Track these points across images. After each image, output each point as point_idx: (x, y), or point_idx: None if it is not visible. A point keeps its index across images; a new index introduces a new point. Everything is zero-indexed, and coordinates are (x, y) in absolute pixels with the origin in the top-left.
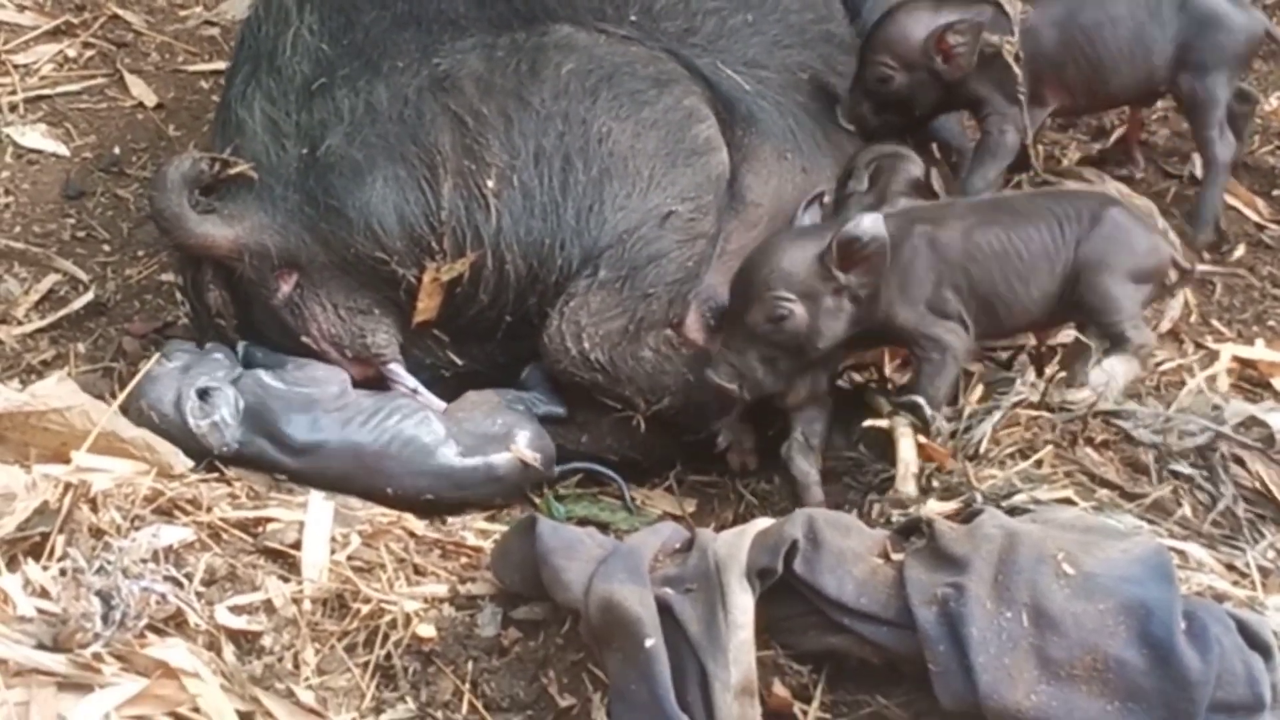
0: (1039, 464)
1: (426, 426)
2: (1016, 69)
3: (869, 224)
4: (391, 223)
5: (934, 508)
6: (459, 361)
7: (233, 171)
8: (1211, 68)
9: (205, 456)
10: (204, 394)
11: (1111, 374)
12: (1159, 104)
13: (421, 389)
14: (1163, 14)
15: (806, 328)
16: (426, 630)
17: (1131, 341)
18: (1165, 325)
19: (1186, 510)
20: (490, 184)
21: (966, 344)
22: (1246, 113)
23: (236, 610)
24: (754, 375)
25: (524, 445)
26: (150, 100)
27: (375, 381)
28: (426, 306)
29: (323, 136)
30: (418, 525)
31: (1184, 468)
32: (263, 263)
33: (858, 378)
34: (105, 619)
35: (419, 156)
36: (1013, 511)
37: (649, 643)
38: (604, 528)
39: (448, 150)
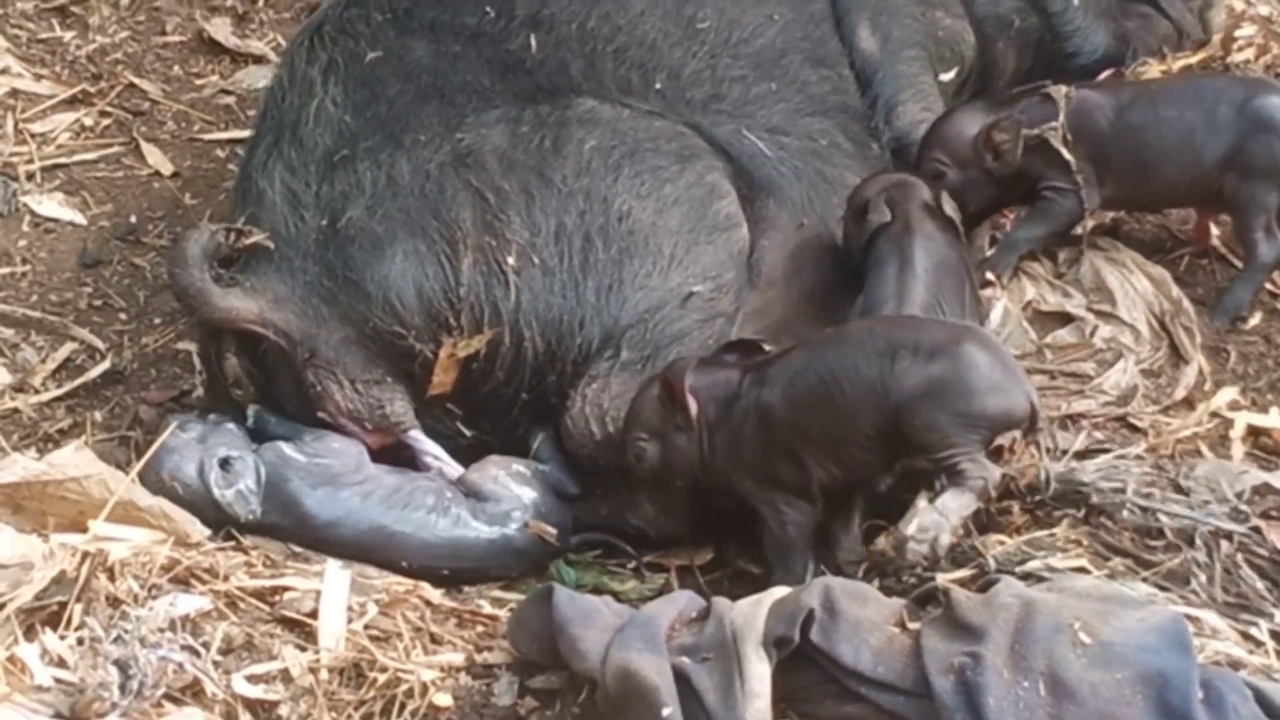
0: (1053, 534)
1: (445, 507)
2: (1065, 151)
3: None
4: (410, 297)
5: (949, 576)
6: (469, 434)
7: (249, 241)
8: (1261, 173)
9: (224, 526)
10: (225, 463)
11: (945, 513)
12: None
13: (445, 457)
14: (1218, 119)
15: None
16: (443, 699)
17: (966, 475)
18: (1180, 393)
19: (1201, 579)
20: (510, 261)
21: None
22: None
23: (254, 679)
24: (645, 511)
25: (541, 519)
26: (167, 169)
27: (392, 449)
28: (442, 381)
29: (343, 209)
30: (434, 594)
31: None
32: (287, 337)
33: None
34: (123, 688)
35: (439, 231)
36: (1027, 579)
37: (666, 711)
38: (615, 596)
39: (468, 226)
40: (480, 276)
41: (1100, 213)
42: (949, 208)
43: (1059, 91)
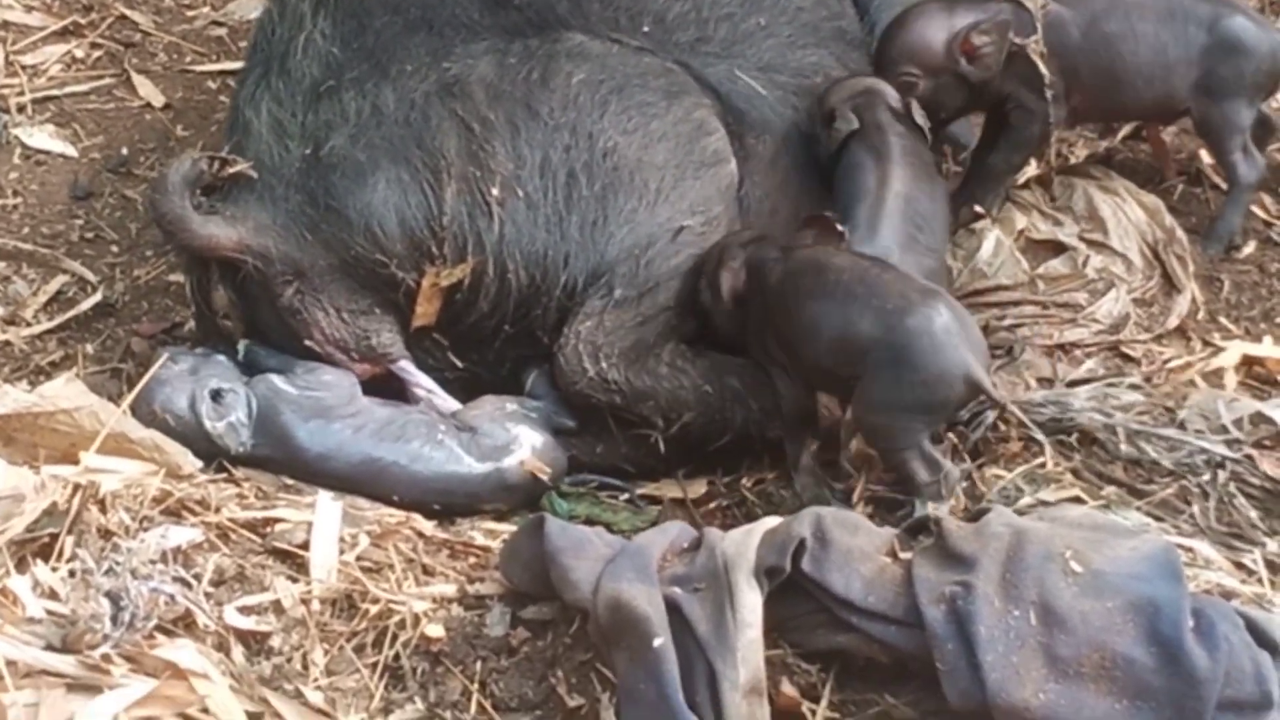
0: (1043, 464)
1: (438, 440)
2: (1043, 67)
3: None
4: (392, 225)
5: (941, 507)
6: (459, 365)
7: (232, 170)
8: (1233, 93)
9: (215, 458)
10: (217, 395)
11: None
12: None
13: (436, 389)
14: (1188, 37)
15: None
16: (435, 630)
17: (921, 486)
18: (1173, 322)
19: (1195, 508)
20: (494, 192)
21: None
22: (1264, 139)
23: (245, 611)
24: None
25: (536, 456)
26: (158, 100)
27: (383, 379)
28: (425, 311)
29: (327, 138)
30: (426, 526)
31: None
32: (267, 264)
33: None
34: (114, 620)
35: (423, 160)
36: (1019, 511)
37: (657, 642)
38: (607, 528)
39: (452, 155)
40: (464, 206)
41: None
42: (919, 116)
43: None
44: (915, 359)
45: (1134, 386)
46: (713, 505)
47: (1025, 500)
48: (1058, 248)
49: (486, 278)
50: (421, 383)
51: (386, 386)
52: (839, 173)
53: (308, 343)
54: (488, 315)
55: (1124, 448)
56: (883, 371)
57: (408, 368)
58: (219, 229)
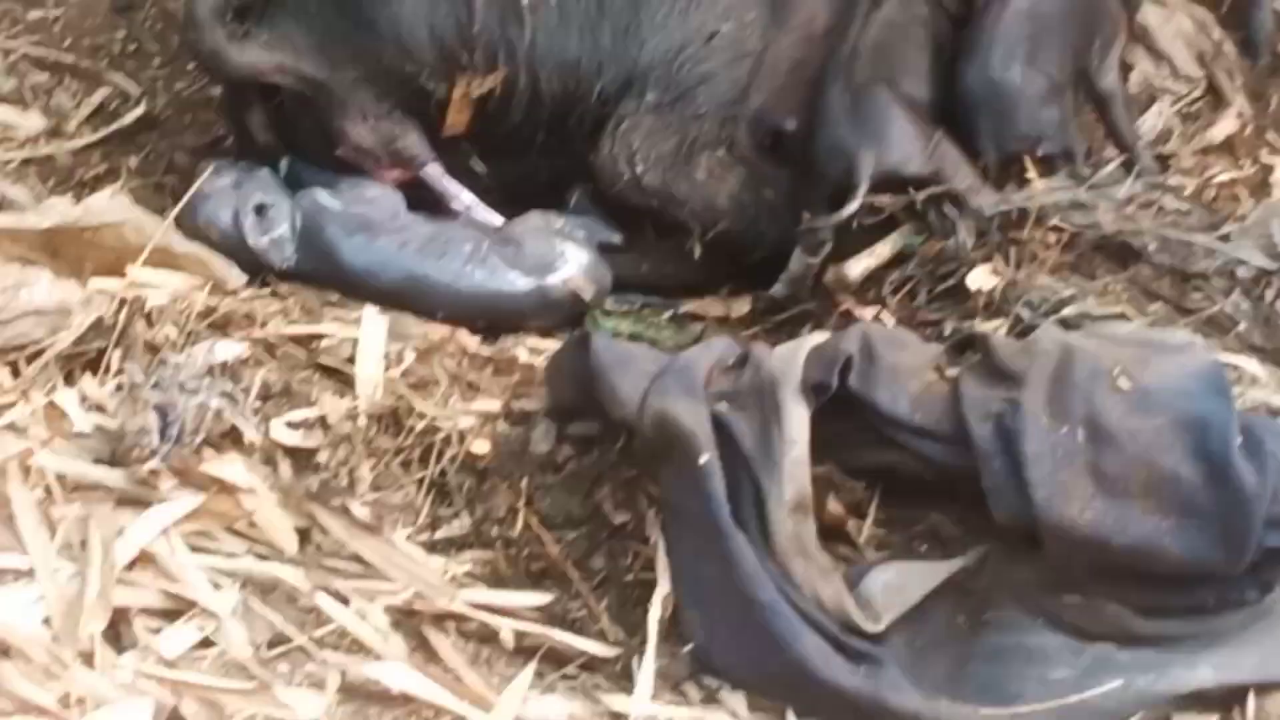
0: (1092, 275)
1: (481, 256)
2: None
3: None
4: (422, 35)
5: (988, 324)
6: (496, 176)
7: None
8: None
9: (260, 272)
10: (261, 210)
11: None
12: None
13: (477, 202)
14: None
15: None
16: (481, 447)
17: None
18: (1219, 136)
19: (1241, 325)
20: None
21: None
22: None
23: (292, 425)
24: None
25: (581, 273)
26: None
27: (428, 199)
28: (456, 120)
29: None
30: (471, 342)
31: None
32: (304, 83)
33: None
34: (163, 434)
35: None
36: (1064, 321)
37: (703, 459)
38: (651, 345)
39: None
40: (495, 13)
41: None
42: None
43: None
44: None
45: (1179, 198)
46: (755, 329)
47: (1070, 311)
48: None
49: (518, 86)
50: (460, 196)
51: (432, 205)
52: None
53: (339, 152)
54: (521, 124)
55: (1169, 260)
56: None
57: (439, 173)
58: (257, 55)
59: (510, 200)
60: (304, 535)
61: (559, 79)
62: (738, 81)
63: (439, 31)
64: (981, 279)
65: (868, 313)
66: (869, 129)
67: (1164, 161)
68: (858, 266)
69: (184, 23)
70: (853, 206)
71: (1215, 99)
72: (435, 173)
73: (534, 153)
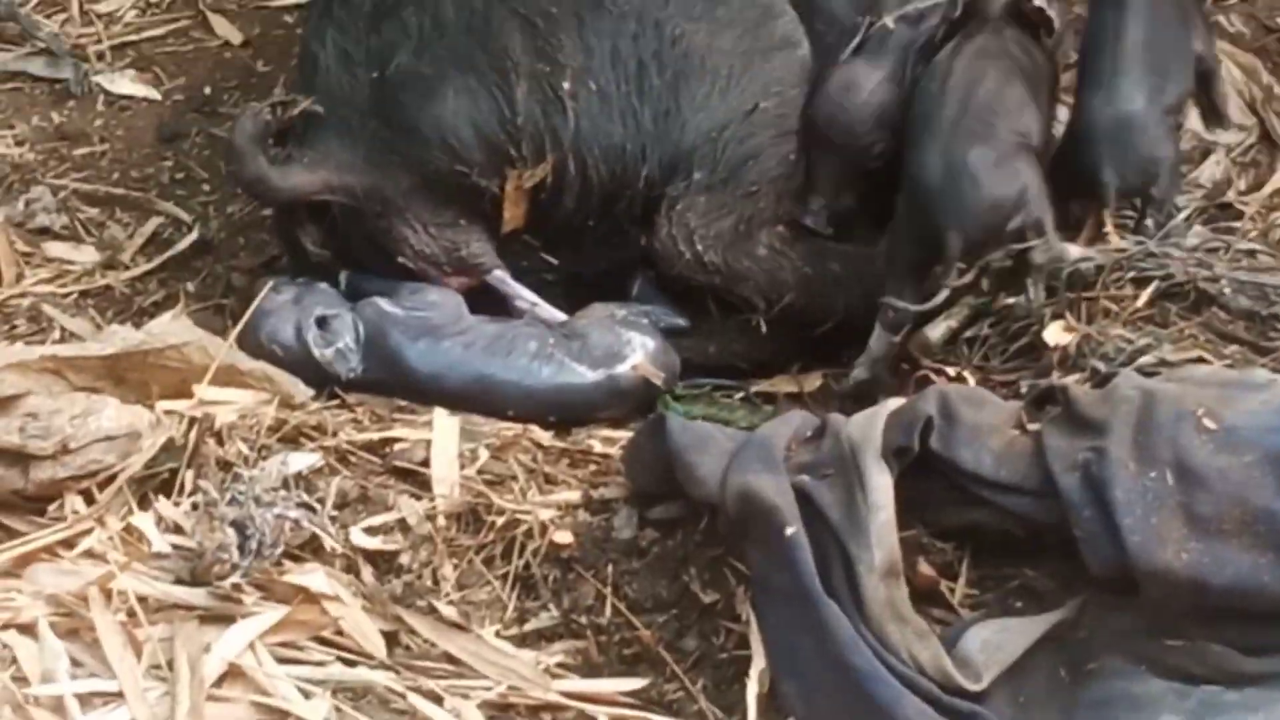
0: (1165, 323)
1: (548, 352)
2: None
3: None
4: (468, 134)
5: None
6: (554, 264)
7: (297, 110)
8: None
9: (326, 385)
10: (323, 322)
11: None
12: None
13: (539, 300)
14: None
15: None
16: (563, 537)
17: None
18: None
19: None
20: (566, 86)
21: None
22: None
23: (371, 531)
24: None
25: (649, 359)
26: (236, 38)
27: (489, 300)
28: (514, 215)
29: (391, 57)
30: (543, 436)
31: None
32: (353, 198)
33: None
34: (242, 549)
35: (489, 63)
36: (1143, 371)
37: (789, 531)
38: (725, 425)
39: (518, 54)
40: (536, 104)
41: None
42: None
43: None
44: None
45: (1247, 243)
46: (829, 401)
47: (1147, 359)
48: None
49: (568, 174)
50: (524, 295)
51: (493, 305)
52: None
53: (400, 260)
54: (574, 212)
55: (1243, 301)
56: None
57: (503, 277)
58: (301, 177)
59: (571, 293)
60: (391, 639)
61: (606, 164)
62: (786, 157)
63: (483, 127)
64: (1056, 334)
65: (949, 374)
66: (959, 191)
67: (1226, 210)
68: (938, 330)
69: (225, 153)
70: (943, 294)
71: (1269, 144)
72: (500, 277)
73: (590, 243)
